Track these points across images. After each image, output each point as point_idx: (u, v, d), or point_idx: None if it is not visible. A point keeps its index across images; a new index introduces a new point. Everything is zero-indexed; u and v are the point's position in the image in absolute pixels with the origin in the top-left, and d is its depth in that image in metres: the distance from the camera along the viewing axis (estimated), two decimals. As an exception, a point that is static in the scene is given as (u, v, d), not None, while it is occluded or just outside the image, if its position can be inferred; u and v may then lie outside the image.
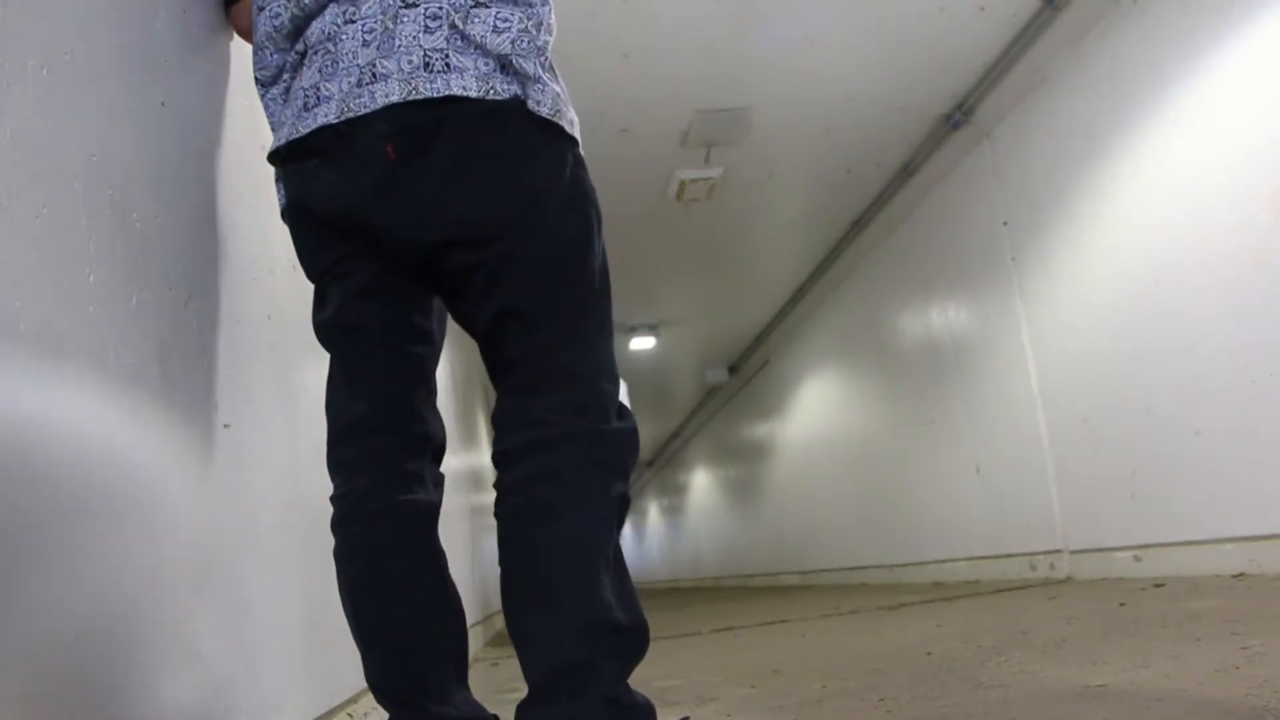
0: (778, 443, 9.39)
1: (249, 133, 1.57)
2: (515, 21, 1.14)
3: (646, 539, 20.78)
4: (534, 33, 1.15)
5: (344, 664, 1.78)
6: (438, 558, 1.22)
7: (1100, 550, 3.99)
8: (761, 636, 3.67)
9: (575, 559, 1.09)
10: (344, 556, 1.18)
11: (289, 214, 1.25)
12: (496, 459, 1.16)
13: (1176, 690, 1.47)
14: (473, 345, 1.27)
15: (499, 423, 1.16)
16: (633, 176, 4.94)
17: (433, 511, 1.22)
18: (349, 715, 1.78)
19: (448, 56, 1.11)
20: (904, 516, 6.13)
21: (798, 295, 7.43)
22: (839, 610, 4.43)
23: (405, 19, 1.13)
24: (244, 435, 1.39)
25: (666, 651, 3.31)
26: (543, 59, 1.17)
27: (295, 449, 1.69)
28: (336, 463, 1.20)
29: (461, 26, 1.12)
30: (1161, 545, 3.58)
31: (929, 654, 2.34)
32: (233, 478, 1.35)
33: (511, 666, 3.94)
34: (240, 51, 1.55)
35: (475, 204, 1.12)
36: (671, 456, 15.47)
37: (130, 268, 1.04)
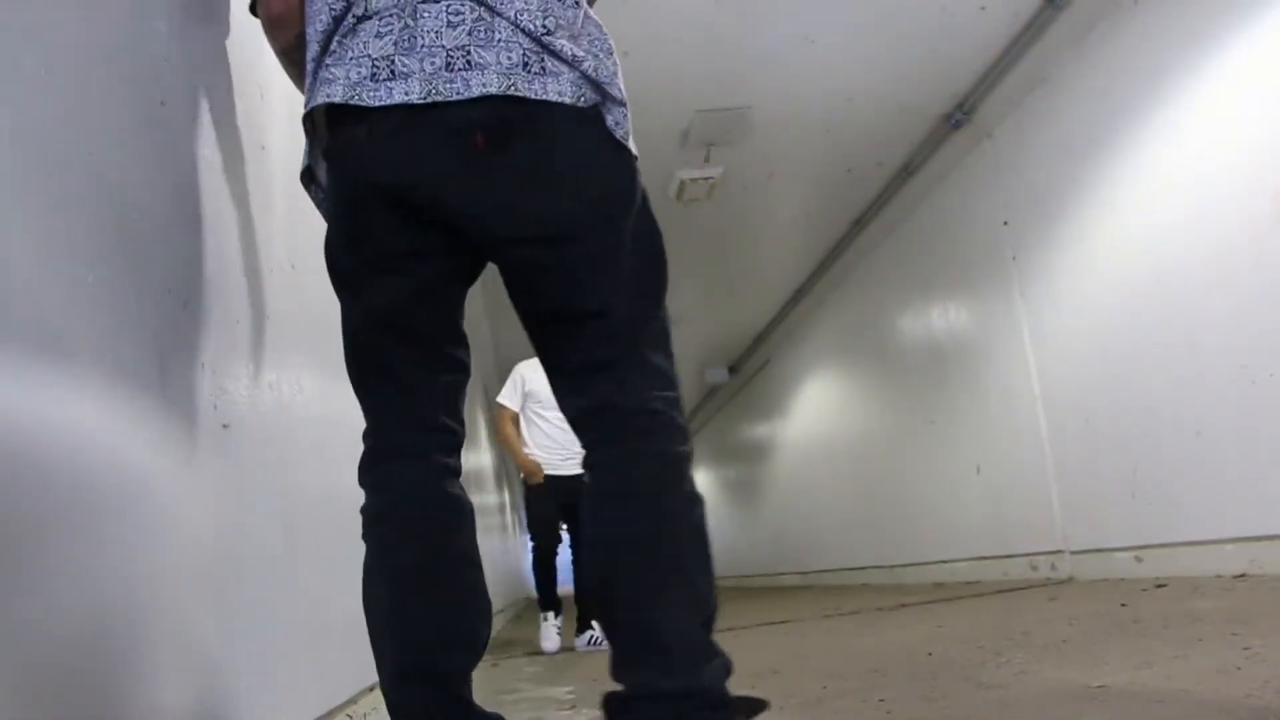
0: (778, 443, 9.39)
1: (249, 132, 1.57)
2: (600, 42, 1.21)
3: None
4: (611, 55, 1.21)
5: (344, 664, 1.78)
6: (477, 552, 1.27)
7: (1101, 550, 3.99)
8: (762, 637, 3.67)
9: (703, 548, 1.17)
10: (393, 544, 1.20)
11: (335, 183, 1.21)
12: (604, 417, 1.19)
13: (1178, 691, 1.47)
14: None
15: (598, 405, 1.20)
16: (633, 176, 4.94)
17: (471, 508, 1.27)
18: (349, 715, 1.78)
19: (543, 60, 1.14)
20: (904, 517, 6.13)
21: (798, 295, 7.42)
22: (839, 610, 4.43)
23: (505, 8, 1.14)
24: (242, 435, 1.39)
25: (667, 652, 3.30)
26: (620, 82, 1.21)
27: (294, 449, 1.69)
28: (387, 450, 1.23)
29: (550, 37, 1.15)
30: (1162, 546, 3.58)
31: (930, 654, 2.33)
32: (231, 478, 1.35)
33: (512, 667, 3.93)
34: (240, 51, 1.54)
35: (554, 204, 1.15)
36: (672, 456, 15.45)
37: (130, 268, 1.04)
